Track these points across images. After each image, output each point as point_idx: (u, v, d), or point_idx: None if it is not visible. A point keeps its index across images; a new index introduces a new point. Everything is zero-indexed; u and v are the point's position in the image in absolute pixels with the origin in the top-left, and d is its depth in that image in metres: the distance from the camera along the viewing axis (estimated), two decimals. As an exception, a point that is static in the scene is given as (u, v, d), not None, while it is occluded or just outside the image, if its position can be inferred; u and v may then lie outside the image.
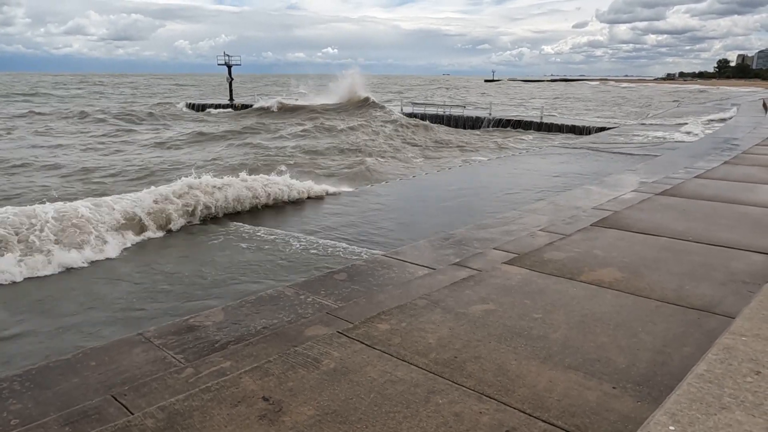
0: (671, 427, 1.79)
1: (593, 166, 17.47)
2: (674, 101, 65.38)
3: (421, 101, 48.91)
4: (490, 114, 39.88)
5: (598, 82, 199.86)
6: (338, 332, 3.78)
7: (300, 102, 47.83)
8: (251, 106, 48.92)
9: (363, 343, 3.63)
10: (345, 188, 15.62)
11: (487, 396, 3.09)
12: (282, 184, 13.99)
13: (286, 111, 45.11)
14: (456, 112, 41.02)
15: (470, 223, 8.90)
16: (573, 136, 31.51)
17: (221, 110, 49.63)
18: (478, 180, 16.74)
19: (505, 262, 5.60)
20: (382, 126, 36.13)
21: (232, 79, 54.87)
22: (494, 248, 6.69)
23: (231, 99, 53.91)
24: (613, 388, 3.28)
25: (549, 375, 3.40)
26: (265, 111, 45.64)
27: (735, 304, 4.49)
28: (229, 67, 53.46)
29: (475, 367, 3.42)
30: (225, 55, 52.78)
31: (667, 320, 4.26)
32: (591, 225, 7.18)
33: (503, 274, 5.20)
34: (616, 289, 4.87)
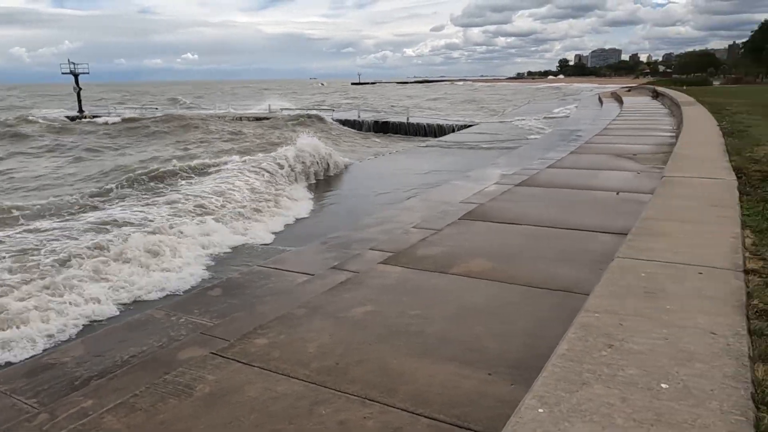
0: (540, 410, 1.87)
1: (459, 162, 18.36)
2: (526, 98, 70.61)
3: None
4: (372, 118, 40.46)
5: (462, 83, 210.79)
6: (212, 353, 3.58)
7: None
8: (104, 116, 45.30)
9: (240, 361, 3.46)
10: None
11: (371, 399, 3.08)
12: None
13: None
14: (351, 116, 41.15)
15: (350, 224, 8.95)
16: (440, 134, 32.89)
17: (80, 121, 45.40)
18: (357, 181, 16.90)
19: (381, 262, 5.66)
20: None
21: (81, 88, 50.54)
22: (371, 248, 6.75)
23: (80, 110, 49.60)
24: (489, 374, 3.41)
25: (429, 369, 3.47)
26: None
27: (593, 283, 4.88)
28: (76, 75, 49.19)
29: (358, 371, 3.40)
30: (70, 62, 48.46)
31: (535, 304, 4.54)
32: (460, 219, 7.48)
33: (381, 274, 5.25)
34: (487, 278, 5.10)
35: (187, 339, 4.63)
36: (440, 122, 37.11)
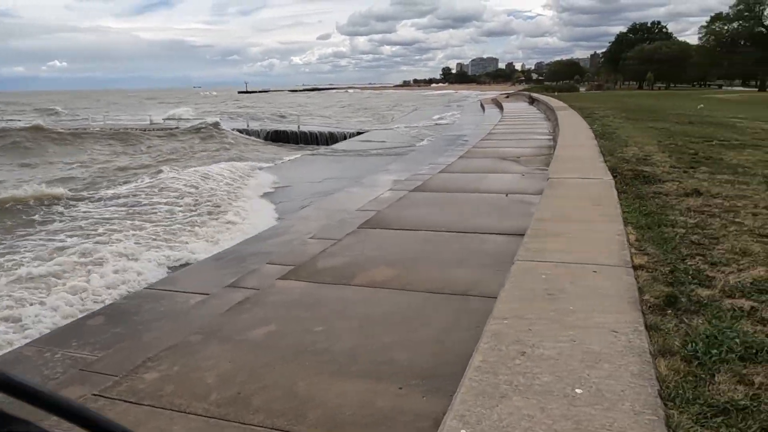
0: (462, 431, 1.79)
1: (352, 170, 18.34)
2: (412, 105, 72.50)
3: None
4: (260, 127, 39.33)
5: (352, 90, 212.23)
6: (94, 394, 3.18)
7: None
8: None
9: (127, 401, 3.10)
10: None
11: (278, 429, 2.86)
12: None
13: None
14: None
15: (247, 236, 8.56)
16: (331, 142, 32.79)
17: None
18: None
19: (281, 277, 5.41)
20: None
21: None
22: (269, 263, 6.46)
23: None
24: (400, 388, 3.32)
25: (339, 388, 3.31)
26: None
27: (491, 283, 4.97)
28: None
29: (263, 399, 3.17)
30: None
31: (439, 309, 4.53)
32: (358, 227, 7.39)
33: (281, 290, 5.01)
34: (391, 287, 5.03)
35: (64, 378, 4.12)
36: (332, 130, 37.05)
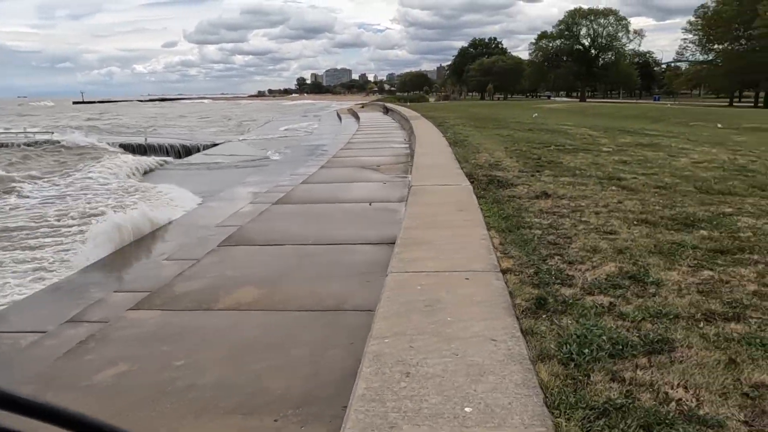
0: (357, 475, 1.61)
1: (209, 183, 17.42)
2: (266, 117, 71.22)
3: None
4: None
5: (208, 101, 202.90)
6: None
7: None
8: None
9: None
10: None
11: (136, 491, 2.46)
12: None
13: None
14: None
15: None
16: (185, 155, 30.98)
17: None
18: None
19: (132, 307, 4.84)
20: None
21: None
22: (117, 291, 5.78)
23: None
24: (275, 420, 3.06)
25: (208, 429, 2.97)
26: None
27: (363, 295, 4.85)
28: None
29: (115, 456, 2.72)
30: None
31: (310, 328, 4.31)
32: (219, 245, 6.92)
33: (133, 323, 4.46)
34: (258, 308, 4.71)
35: None
36: (184, 142, 35.04)
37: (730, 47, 70.35)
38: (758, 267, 3.97)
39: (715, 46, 73.01)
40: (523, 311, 3.02)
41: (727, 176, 8.78)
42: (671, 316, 3.00)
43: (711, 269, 3.89)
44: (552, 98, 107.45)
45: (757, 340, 2.70)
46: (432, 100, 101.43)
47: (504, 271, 3.72)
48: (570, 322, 2.89)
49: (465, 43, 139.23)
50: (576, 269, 3.85)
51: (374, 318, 2.89)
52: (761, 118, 31.89)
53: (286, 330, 4.30)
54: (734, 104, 70.36)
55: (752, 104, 69.66)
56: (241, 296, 5.04)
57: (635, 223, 5.30)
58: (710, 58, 74.70)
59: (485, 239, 4.47)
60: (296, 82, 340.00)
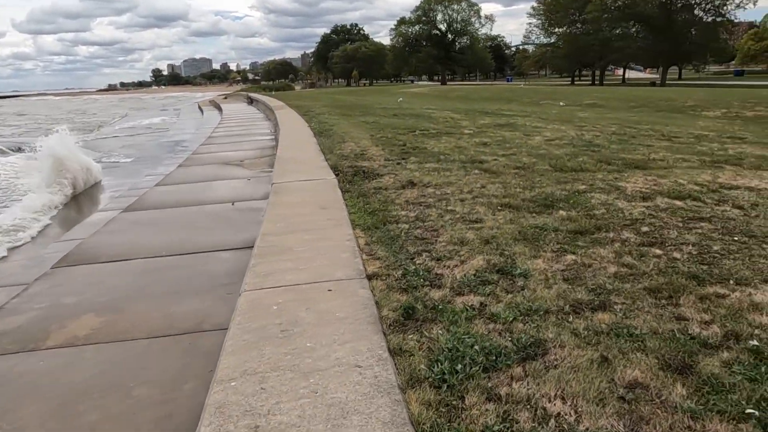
0: None
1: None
2: (122, 111, 65.94)
3: None
4: None
5: (51, 97, 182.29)
6: None
7: None
8: None
9: None
10: None
11: None
12: None
13: None
14: None
15: None
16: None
17: None
18: None
19: (-70, 361, 3.93)
20: None
21: None
22: None
23: None
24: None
25: None
26: None
27: (223, 312, 4.35)
28: None
29: None
30: None
31: (161, 359, 3.75)
32: (54, 266, 5.99)
33: (-72, 383, 3.60)
34: (99, 341, 4.04)
35: None
36: (19, 144, 31.14)
37: (568, 30, 76.69)
38: (615, 246, 4.07)
39: (556, 30, 79.26)
40: (390, 325, 2.75)
41: (577, 152, 9.29)
42: (541, 312, 2.90)
43: (573, 252, 3.91)
44: (415, 82, 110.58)
45: (624, 330, 2.66)
46: (298, 88, 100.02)
47: (370, 277, 3.44)
48: (440, 332, 2.67)
49: (327, 30, 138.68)
50: (444, 266, 3.68)
51: (221, 354, 2.46)
52: (597, 94, 35.03)
53: (133, 364, 3.71)
54: (575, 83, 77.01)
55: (590, 82, 76.65)
56: (78, 328, 4.31)
57: (499, 208, 5.30)
58: (552, 40, 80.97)
59: (350, 240, 4.17)
60: (152, 74, 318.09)
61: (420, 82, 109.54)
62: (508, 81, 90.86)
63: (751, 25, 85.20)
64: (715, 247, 4.00)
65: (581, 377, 2.25)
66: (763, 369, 2.30)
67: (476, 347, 2.48)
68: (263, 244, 4.14)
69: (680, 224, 4.65)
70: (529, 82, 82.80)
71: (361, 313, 2.83)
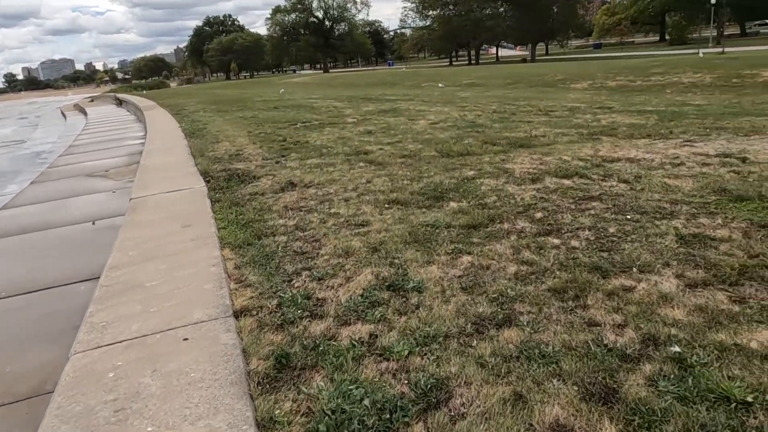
0: None
1: None
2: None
3: None
4: None
5: None
6: None
7: None
8: None
9: None
10: None
11: None
12: None
13: None
14: None
15: None
16: None
17: None
18: None
19: None
20: None
21: None
22: None
23: None
24: None
25: None
26: None
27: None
28: None
29: None
30: None
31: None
32: None
33: None
34: None
35: None
36: None
37: (441, 13, 78.47)
38: (511, 239, 3.75)
39: (430, 13, 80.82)
40: (260, 382, 2.19)
41: (462, 135, 9.12)
42: (441, 338, 2.47)
43: (469, 252, 3.53)
44: (297, 72, 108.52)
45: (536, 351, 2.29)
46: (174, 85, 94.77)
47: (238, 313, 2.84)
48: (322, 384, 2.15)
49: (200, 22, 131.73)
50: (328, 287, 3.16)
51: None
52: (475, 73, 36.02)
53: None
54: (453, 63, 79.24)
55: (467, 62, 79.16)
56: None
57: (386, 205, 4.85)
58: (427, 23, 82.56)
59: (216, 265, 3.52)
60: (3, 79, 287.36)
61: (303, 72, 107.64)
62: (389, 65, 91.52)
63: (603, 1, 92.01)
64: (611, 230, 3.81)
65: (494, 427, 1.83)
66: (690, 382, 2.01)
67: (366, 402, 1.99)
68: (107, 281, 3.39)
69: (572, 206, 4.45)
70: (410, 65, 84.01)
71: (223, 370, 2.24)
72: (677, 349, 2.22)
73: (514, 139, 8.28)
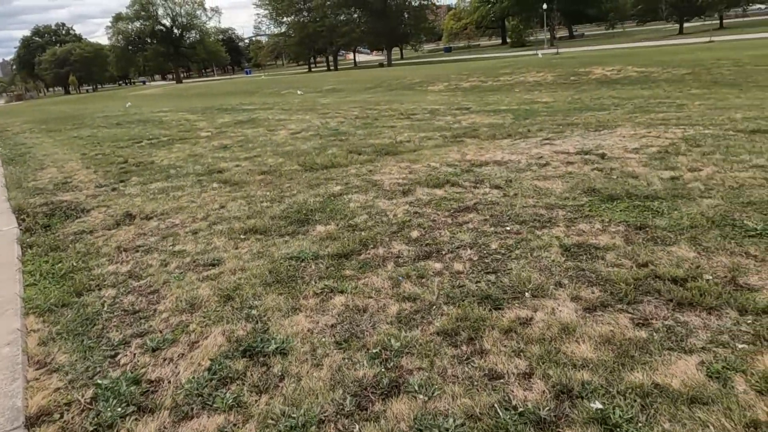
0: None
1: None
2: None
3: None
4: None
5: None
6: None
7: None
8: None
9: None
10: None
11: None
12: None
13: None
14: None
15: None
16: None
17: None
18: None
19: None
20: None
21: None
22: None
23: None
24: None
25: None
26: None
27: None
28: None
29: None
30: None
31: None
32: None
33: None
34: None
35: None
36: None
37: (296, 19, 77.68)
38: (388, 268, 3.27)
39: (285, 19, 79.65)
40: None
41: (325, 144, 8.60)
42: (313, 426, 1.89)
43: (342, 291, 2.99)
44: (147, 83, 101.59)
45: (435, 430, 1.80)
46: (1, 102, 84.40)
47: (34, 420, 2.04)
48: None
49: (28, 32, 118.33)
50: (165, 360, 2.45)
51: None
52: (334, 79, 35.85)
53: None
54: (312, 70, 78.78)
55: (326, 68, 79.11)
56: None
57: (243, 236, 4.16)
58: (283, 30, 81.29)
59: (12, 343, 2.64)
60: None
61: (153, 83, 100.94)
62: (247, 73, 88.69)
63: (449, 8, 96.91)
64: (494, 245, 3.48)
65: None
66: (624, 452, 1.64)
67: None
68: None
69: (449, 220, 4.10)
70: (269, 72, 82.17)
71: None
72: (598, 405, 1.85)
73: (380, 146, 7.93)
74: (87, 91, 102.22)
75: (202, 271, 3.52)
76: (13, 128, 17.79)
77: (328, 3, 70.94)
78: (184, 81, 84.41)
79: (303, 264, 3.45)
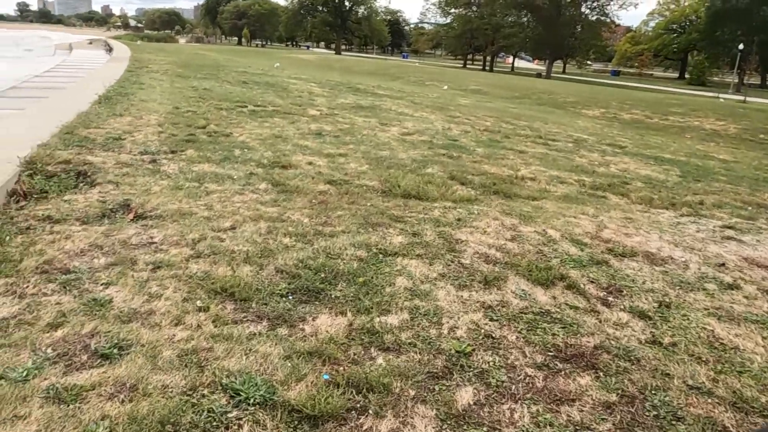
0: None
1: None
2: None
3: None
4: None
5: None
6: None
7: None
8: None
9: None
10: None
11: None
12: None
13: None
14: None
15: None
16: None
17: None
18: None
19: None
20: None
21: None
22: None
23: None
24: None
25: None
26: None
27: None
28: None
29: None
30: None
31: None
32: None
33: None
34: None
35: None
36: None
37: (464, 12, 75.86)
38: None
39: (453, 10, 78.14)
40: None
41: (429, 158, 6.93)
42: None
43: None
44: (311, 49, 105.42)
45: None
46: (183, 41, 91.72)
47: None
48: None
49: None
50: None
51: None
52: (483, 80, 33.79)
53: None
54: (467, 66, 76.69)
55: (481, 67, 76.67)
56: None
57: (203, 301, 2.66)
58: (448, 21, 79.92)
59: None
60: (16, 7, 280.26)
61: (316, 49, 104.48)
62: (404, 57, 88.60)
63: (628, 29, 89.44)
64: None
65: None
66: None
67: None
68: None
69: (538, 379, 2.29)
70: (424, 60, 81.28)
71: None
72: None
73: (494, 177, 6.12)
74: (257, 45, 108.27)
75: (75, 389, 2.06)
76: (153, 65, 18.02)
77: (499, 2, 68.14)
78: (342, 53, 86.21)
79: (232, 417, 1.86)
